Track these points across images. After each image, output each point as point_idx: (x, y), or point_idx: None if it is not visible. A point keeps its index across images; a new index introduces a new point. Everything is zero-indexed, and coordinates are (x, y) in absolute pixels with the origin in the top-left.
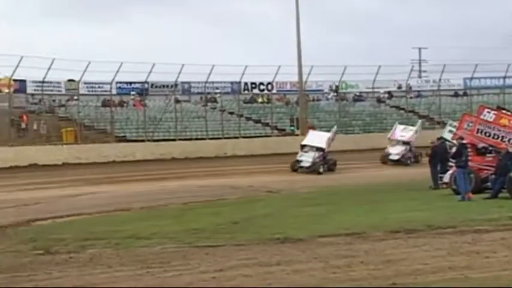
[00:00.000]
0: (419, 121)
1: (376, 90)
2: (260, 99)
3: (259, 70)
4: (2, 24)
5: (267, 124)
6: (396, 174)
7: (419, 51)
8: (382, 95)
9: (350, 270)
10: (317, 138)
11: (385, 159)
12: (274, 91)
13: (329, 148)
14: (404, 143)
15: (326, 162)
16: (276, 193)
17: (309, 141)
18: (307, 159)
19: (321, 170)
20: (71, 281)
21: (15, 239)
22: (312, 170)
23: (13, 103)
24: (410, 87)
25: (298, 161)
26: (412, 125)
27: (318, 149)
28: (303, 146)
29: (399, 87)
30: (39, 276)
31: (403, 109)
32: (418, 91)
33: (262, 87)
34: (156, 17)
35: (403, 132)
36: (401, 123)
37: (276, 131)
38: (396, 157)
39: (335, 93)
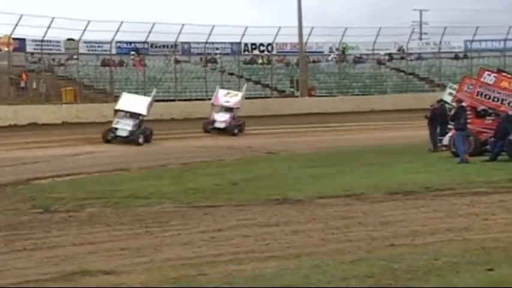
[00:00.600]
0: (245, 85)
1: (376, 52)
2: (260, 61)
3: (259, 31)
4: None
5: (267, 85)
6: (395, 137)
7: (420, 13)
8: (382, 57)
9: (348, 231)
10: (135, 102)
11: (208, 128)
12: (274, 52)
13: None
14: (228, 109)
15: (143, 131)
16: (276, 154)
17: (125, 105)
18: (123, 127)
19: (140, 140)
20: (70, 239)
21: (15, 198)
22: (130, 140)
23: (12, 62)
24: (404, 51)
25: (113, 130)
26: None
27: (134, 115)
28: (116, 111)
29: (400, 49)
30: (38, 234)
31: (403, 71)
32: (418, 53)
33: (262, 48)
34: None
35: (226, 97)
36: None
37: (276, 93)
38: (222, 125)
39: (342, 54)
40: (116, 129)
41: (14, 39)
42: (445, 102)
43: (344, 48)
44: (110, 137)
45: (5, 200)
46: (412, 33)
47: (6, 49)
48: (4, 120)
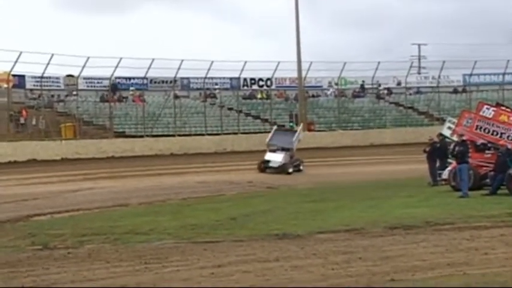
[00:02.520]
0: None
1: (375, 86)
2: (259, 95)
3: (258, 66)
4: (0, 19)
5: (266, 120)
6: (394, 171)
7: (419, 48)
8: (381, 91)
9: (349, 266)
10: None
11: (263, 167)
12: (273, 87)
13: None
14: (285, 149)
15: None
16: (275, 189)
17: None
18: (275, 159)
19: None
20: (69, 276)
21: (14, 234)
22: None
23: (12, 98)
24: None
25: (266, 161)
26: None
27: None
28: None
29: (398, 83)
30: (38, 271)
31: (402, 105)
32: (417, 87)
33: (261, 83)
34: (155, 12)
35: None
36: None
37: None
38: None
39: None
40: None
41: (13, 75)
42: (445, 136)
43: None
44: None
45: (4, 237)
46: (411, 67)
47: (5, 86)
48: (4, 157)
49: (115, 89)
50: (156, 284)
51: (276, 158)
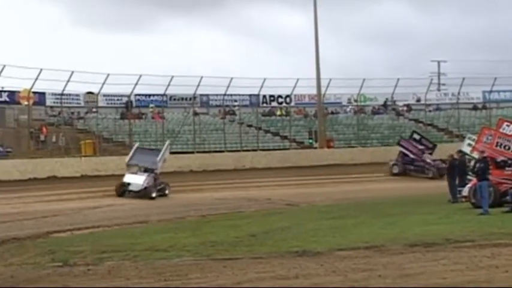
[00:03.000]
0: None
1: (390, 102)
2: (278, 112)
3: (277, 83)
4: (22, 37)
5: (285, 137)
6: (414, 188)
7: (438, 64)
8: (400, 108)
9: (368, 284)
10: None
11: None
12: (292, 104)
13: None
14: (148, 170)
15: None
16: (295, 206)
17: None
18: (136, 182)
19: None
20: None
21: (34, 251)
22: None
23: (32, 115)
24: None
25: (125, 184)
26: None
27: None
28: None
29: (418, 100)
30: None
31: (421, 122)
32: (437, 104)
33: (280, 100)
34: (174, 29)
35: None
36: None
37: (294, 144)
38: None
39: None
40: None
41: (34, 93)
42: (464, 153)
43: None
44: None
45: (24, 254)
46: (431, 84)
47: (26, 103)
48: (24, 174)
49: (130, 106)
50: None
51: (137, 181)
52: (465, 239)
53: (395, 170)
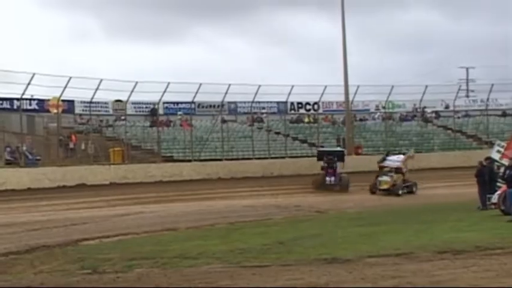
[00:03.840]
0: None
1: (418, 108)
2: (306, 119)
3: (305, 90)
4: (52, 46)
5: (313, 144)
6: (443, 195)
7: (467, 71)
8: (429, 115)
9: None
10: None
11: (374, 189)
12: (320, 111)
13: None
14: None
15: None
16: (324, 213)
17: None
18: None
19: (400, 192)
20: None
21: (63, 259)
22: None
23: (61, 123)
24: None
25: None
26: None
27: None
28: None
29: (446, 106)
30: None
31: (450, 129)
32: (466, 111)
33: (308, 107)
34: (202, 37)
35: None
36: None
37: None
38: (386, 186)
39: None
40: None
41: (63, 101)
42: (494, 159)
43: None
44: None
45: (53, 261)
46: (459, 90)
47: (55, 111)
48: (53, 182)
49: (154, 114)
50: None
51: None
52: (495, 246)
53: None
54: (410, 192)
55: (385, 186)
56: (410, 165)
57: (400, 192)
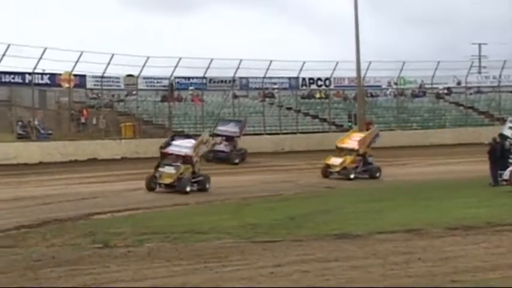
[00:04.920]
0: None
1: (435, 86)
2: (318, 95)
3: (317, 66)
4: (62, 20)
5: (324, 120)
6: (454, 171)
7: (479, 47)
8: (441, 91)
9: (408, 267)
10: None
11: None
12: (332, 87)
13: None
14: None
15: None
16: (334, 189)
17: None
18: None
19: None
20: (129, 274)
21: (74, 233)
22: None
23: (73, 98)
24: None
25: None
26: None
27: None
28: None
29: (458, 83)
30: (98, 269)
31: (462, 105)
32: (478, 87)
33: (320, 82)
34: (214, 11)
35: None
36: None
37: (333, 127)
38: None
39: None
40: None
41: (74, 75)
42: (505, 136)
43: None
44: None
45: (65, 235)
46: (471, 66)
47: (67, 85)
48: (65, 156)
49: (173, 89)
50: (219, 284)
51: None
52: (506, 223)
53: None
54: (202, 189)
55: (167, 181)
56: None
57: (189, 189)
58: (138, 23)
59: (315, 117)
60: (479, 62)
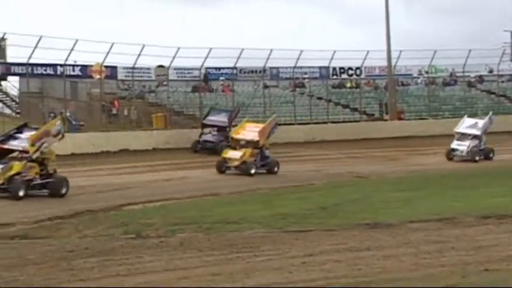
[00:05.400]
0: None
1: (466, 74)
2: (349, 84)
3: (347, 55)
4: (94, 11)
5: (355, 109)
6: (486, 161)
7: (511, 34)
8: (472, 79)
9: (441, 256)
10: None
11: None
12: (362, 76)
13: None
14: (473, 137)
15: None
16: (365, 178)
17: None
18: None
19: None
20: (162, 264)
21: (107, 224)
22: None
23: (104, 89)
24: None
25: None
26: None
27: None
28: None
29: (490, 71)
30: (131, 260)
31: (494, 93)
32: (510, 75)
33: (350, 72)
34: (244, 2)
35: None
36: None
37: (364, 116)
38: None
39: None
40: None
41: (105, 67)
42: None
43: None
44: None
45: (97, 226)
46: (503, 54)
47: (98, 77)
48: (96, 147)
49: (206, 79)
50: (248, 273)
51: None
52: None
53: None
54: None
55: (234, 163)
56: None
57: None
58: (168, 13)
59: (345, 106)
60: (511, 49)
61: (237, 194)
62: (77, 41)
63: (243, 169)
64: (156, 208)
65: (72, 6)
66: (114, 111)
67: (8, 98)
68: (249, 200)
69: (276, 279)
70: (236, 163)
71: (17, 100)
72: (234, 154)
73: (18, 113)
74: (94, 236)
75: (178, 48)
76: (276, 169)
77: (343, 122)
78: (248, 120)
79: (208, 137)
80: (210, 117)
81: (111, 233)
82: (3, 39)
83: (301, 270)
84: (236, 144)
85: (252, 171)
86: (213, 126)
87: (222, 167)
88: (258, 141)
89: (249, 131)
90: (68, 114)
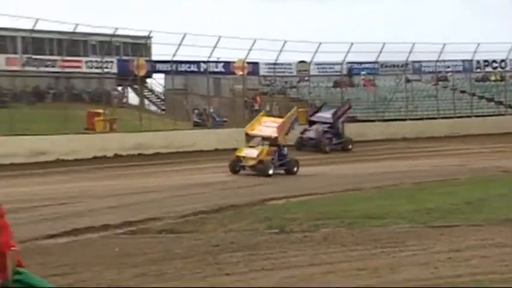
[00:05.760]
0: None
1: None
2: (493, 77)
3: (492, 47)
4: (236, 8)
5: (500, 103)
6: None
7: None
8: None
9: None
10: None
11: None
12: (508, 68)
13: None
14: None
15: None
16: (510, 173)
17: None
18: None
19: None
20: (306, 259)
21: (251, 218)
22: None
23: (247, 85)
24: None
25: None
26: None
27: None
28: None
29: None
30: (276, 254)
31: None
32: None
33: (495, 64)
34: None
35: None
36: None
37: (510, 110)
38: None
39: None
40: None
41: (248, 63)
42: None
43: None
44: None
45: (242, 221)
46: None
47: (240, 73)
48: (240, 143)
49: (350, 74)
50: (394, 269)
51: None
52: None
53: None
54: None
55: (250, 163)
56: None
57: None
58: (308, 9)
59: (490, 100)
60: None
61: (379, 188)
62: (219, 38)
63: (259, 169)
64: (298, 203)
65: (215, 3)
66: (257, 106)
67: (153, 95)
68: (392, 195)
69: (422, 275)
70: (252, 162)
71: (162, 97)
72: (250, 152)
73: (163, 109)
74: (239, 230)
75: (320, 44)
76: (295, 169)
77: (488, 115)
78: (264, 114)
79: (310, 134)
80: (319, 114)
81: (255, 227)
82: (148, 37)
83: (447, 266)
84: (250, 141)
85: (270, 171)
86: (320, 123)
87: (236, 167)
88: (276, 138)
89: (266, 127)
90: (211, 110)
